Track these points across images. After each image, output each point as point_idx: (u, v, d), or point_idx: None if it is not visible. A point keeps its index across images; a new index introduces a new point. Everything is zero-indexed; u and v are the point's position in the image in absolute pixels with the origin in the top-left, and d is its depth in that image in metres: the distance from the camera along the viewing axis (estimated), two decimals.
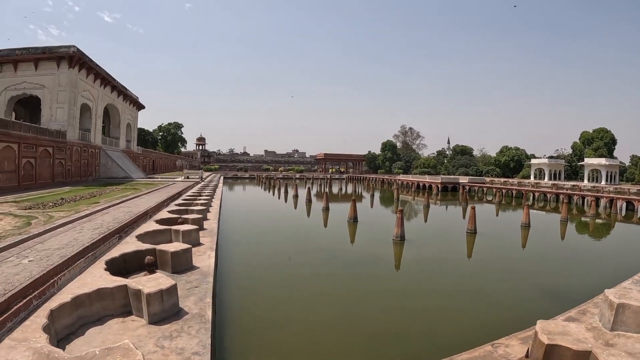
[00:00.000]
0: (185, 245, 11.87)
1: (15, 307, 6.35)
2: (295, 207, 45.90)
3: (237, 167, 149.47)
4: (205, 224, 18.61)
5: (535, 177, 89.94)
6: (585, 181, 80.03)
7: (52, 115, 39.83)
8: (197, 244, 14.26)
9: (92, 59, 43.78)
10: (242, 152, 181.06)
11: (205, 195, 30.61)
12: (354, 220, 31.72)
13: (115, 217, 15.92)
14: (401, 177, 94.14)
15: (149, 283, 7.95)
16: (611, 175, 79.20)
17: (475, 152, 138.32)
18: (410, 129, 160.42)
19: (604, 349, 6.58)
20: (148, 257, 9.92)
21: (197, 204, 23.97)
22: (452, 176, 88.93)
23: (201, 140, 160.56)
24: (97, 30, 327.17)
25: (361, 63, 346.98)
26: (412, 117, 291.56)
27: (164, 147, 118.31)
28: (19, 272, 7.87)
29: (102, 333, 7.11)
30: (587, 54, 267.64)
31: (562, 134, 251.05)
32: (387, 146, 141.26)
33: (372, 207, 49.24)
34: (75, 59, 40.27)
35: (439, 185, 71.77)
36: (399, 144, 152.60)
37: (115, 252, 11.07)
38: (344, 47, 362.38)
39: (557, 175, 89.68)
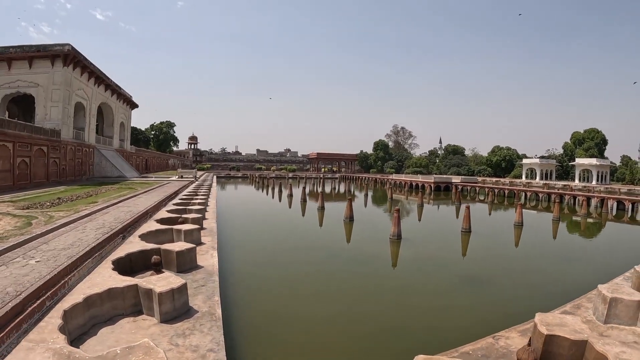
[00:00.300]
0: (190, 245, 11.85)
1: (30, 308, 6.27)
2: (290, 207, 45.90)
3: (229, 167, 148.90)
4: (205, 223, 18.55)
5: (526, 177, 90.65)
6: (576, 181, 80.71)
7: (46, 114, 39.35)
8: (199, 243, 14.20)
9: (86, 58, 43.32)
10: (234, 151, 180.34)
11: (202, 195, 30.49)
12: (350, 219, 31.81)
13: (117, 217, 15.82)
14: (394, 176, 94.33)
15: (159, 282, 7.95)
16: (602, 175, 79.96)
17: (467, 152, 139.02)
18: (403, 128, 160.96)
19: (599, 338, 6.87)
20: (155, 256, 9.89)
21: (194, 204, 23.89)
22: (444, 176, 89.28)
23: (193, 139, 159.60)
24: (89, 28, 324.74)
25: (353, 63, 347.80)
26: (405, 116, 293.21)
27: (156, 146, 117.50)
28: (28, 273, 7.81)
29: (115, 333, 7.08)
30: (579, 54, 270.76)
31: (553, 134, 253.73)
32: (379, 146, 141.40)
33: (365, 206, 49.37)
34: (70, 57, 39.79)
35: (432, 185, 72.08)
36: (391, 144, 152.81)
37: (121, 251, 11.00)
38: (338, 46, 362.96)
39: (549, 175, 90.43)
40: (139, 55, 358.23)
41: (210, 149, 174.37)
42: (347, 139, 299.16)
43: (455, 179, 78.32)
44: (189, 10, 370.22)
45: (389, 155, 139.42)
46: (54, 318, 6.44)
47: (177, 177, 56.06)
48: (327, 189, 78.99)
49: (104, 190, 28.83)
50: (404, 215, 40.21)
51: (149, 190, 30.77)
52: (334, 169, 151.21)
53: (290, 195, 54.00)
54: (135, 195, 25.65)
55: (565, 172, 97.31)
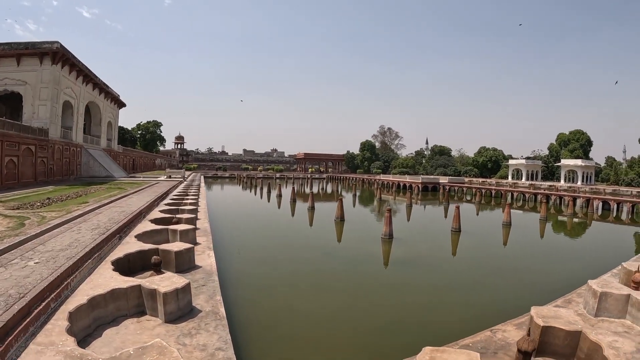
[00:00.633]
0: (188, 245, 11.78)
1: (36, 311, 6.13)
2: (279, 207, 45.71)
3: (215, 167, 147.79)
4: (198, 224, 18.43)
5: (513, 178, 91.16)
6: (562, 181, 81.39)
7: (34, 112, 38.55)
8: (195, 243, 14.11)
9: (74, 56, 42.51)
10: (221, 151, 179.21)
11: (192, 195, 30.30)
12: (341, 219, 31.84)
13: (111, 217, 15.61)
14: (382, 177, 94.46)
15: (162, 282, 7.88)
16: (587, 176, 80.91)
17: (454, 153, 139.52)
18: (389, 129, 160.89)
19: (592, 329, 7.12)
20: (155, 257, 9.79)
21: (186, 204, 23.73)
22: (432, 176, 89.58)
23: (180, 139, 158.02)
24: (75, 25, 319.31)
25: (340, 63, 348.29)
26: (391, 117, 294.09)
27: (143, 145, 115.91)
28: (29, 275, 7.65)
29: (120, 334, 6.98)
30: (564, 57, 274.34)
31: (538, 135, 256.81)
32: (366, 146, 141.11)
33: (354, 206, 49.34)
34: (59, 55, 39.05)
35: (420, 185, 72.44)
36: (377, 144, 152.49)
37: (119, 252, 10.85)
38: (325, 47, 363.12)
39: (534, 175, 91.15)
40: (124, 54, 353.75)
41: (197, 149, 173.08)
42: (334, 140, 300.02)
43: (443, 180, 78.78)
44: (176, 9, 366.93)
45: (375, 156, 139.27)
46: (60, 320, 6.32)
47: (165, 177, 55.45)
48: (315, 189, 79.06)
49: (93, 190, 28.39)
50: (394, 215, 40.44)
51: (139, 191, 30.41)
52: (321, 169, 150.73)
53: (280, 196, 53.76)
54: (126, 196, 25.32)
55: (550, 172, 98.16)
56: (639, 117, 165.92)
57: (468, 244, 25.07)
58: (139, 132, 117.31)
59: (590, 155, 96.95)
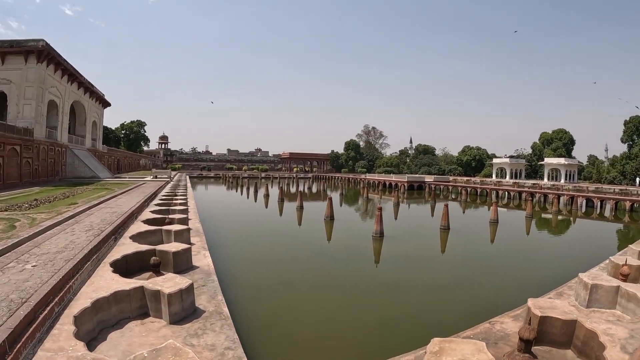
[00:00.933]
0: (186, 245, 11.65)
1: (41, 316, 5.93)
2: (267, 207, 45.47)
3: (200, 166, 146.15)
4: (190, 224, 18.19)
5: (497, 176, 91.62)
6: (545, 180, 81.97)
7: (19, 112, 37.44)
8: (189, 243, 13.93)
9: (59, 54, 41.39)
10: (205, 150, 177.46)
11: (181, 195, 29.93)
12: (330, 218, 31.83)
13: (103, 219, 15.31)
14: (368, 176, 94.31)
15: (166, 283, 7.77)
16: (570, 174, 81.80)
17: (438, 152, 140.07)
18: (374, 128, 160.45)
19: (586, 318, 7.30)
20: (154, 257, 9.66)
21: (176, 204, 23.41)
22: (417, 175, 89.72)
23: (164, 139, 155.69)
24: (58, 23, 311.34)
25: (324, 62, 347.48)
26: (376, 116, 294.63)
27: (127, 145, 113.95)
28: (28, 279, 7.43)
29: (125, 336, 6.83)
30: (547, 57, 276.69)
31: (522, 134, 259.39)
32: (351, 145, 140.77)
33: (341, 205, 49.33)
34: (44, 53, 37.98)
35: (405, 184, 72.65)
36: (362, 143, 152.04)
37: (116, 253, 10.64)
38: (308, 46, 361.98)
39: (518, 174, 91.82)
40: (108, 52, 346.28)
41: (181, 149, 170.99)
42: (318, 139, 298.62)
43: (428, 178, 79.15)
44: (161, 7, 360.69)
45: (360, 155, 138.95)
46: (66, 325, 6.14)
47: (151, 177, 54.67)
48: (301, 189, 79.05)
49: (80, 191, 27.82)
50: (382, 214, 40.68)
51: (127, 191, 29.94)
52: (306, 168, 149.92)
53: (267, 195, 53.49)
54: (114, 196, 24.90)
55: (534, 171, 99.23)
56: (620, 116, 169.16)
57: (458, 242, 25.37)
58: (123, 131, 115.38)
59: (573, 153, 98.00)
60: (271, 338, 10.58)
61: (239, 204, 49.74)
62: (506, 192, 62.11)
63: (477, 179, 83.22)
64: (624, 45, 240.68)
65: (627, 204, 44.17)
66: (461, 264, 20.01)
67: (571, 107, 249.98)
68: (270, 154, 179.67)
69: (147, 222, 16.73)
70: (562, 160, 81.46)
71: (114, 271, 9.08)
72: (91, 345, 6.57)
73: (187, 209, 22.35)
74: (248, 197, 56.09)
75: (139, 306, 7.75)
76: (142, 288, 7.75)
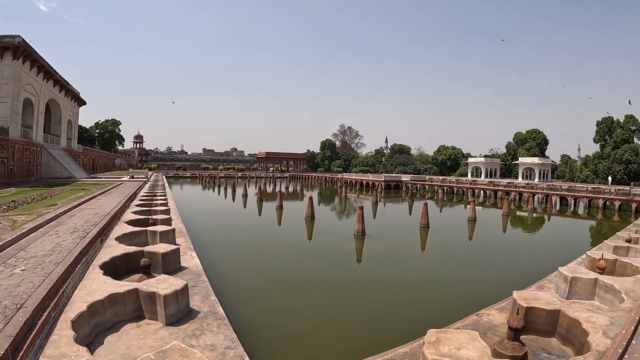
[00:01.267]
0: (174, 246, 11.50)
1: (39, 322, 5.76)
2: (245, 206, 45.19)
3: (175, 166, 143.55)
4: (172, 224, 17.91)
5: (472, 175, 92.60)
6: (520, 179, 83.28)
7: None
8: (174, 244, 13.79)
9: (36, 51, 39.69)
10: (180, 150, 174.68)
11: (161, 195, 29.42)
12: (311, 217, 31.77)
13: (87, 220, 14.93)
14: (345, 175, 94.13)
15: (160, 285, 7.66)
16: (544, 173, 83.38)
17: (413, 151, 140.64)
18: (349, 128, 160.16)
19: (569, 308, 7.62)
20: (144, 259, 9.50)
21: (157, 205, 23.02)
22: (394, 174, 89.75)
23: (139, 138, 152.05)
24: (31, 19, 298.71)
25: (299, 62, 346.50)
26: (352, 116, 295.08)
27: (101, 145, 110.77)
28: (19, 284, 7.18)
29: (122, 340, 6.69)
30: (521, 58, 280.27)
31: (496, 134, 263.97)
32: (327, 145, 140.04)
33: (319, 204, 49.32)
34: (21, 50, 36.42)
35: (383, 184, 72.84)
36: (338, 143, 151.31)
37: (104, 256, 10.40)
38: (284, 44, 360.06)
39: (493, 173, 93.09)
40: (82, 50, 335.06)
41: (156, 148, 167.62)
42: (294, 139, 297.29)
43: (405, 178, 79.66)
44: (138, 4, 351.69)
45: (336, 155, 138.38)
46: (64, 330, 5.97)
47: (128, 177, 53.42)
48: (279, 189, 78.70)
49: (57, 192, 26.96)
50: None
51: (105, 192, 29.22)
52: (282, 168, 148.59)
53: (245, 195, 53.18)
54: (93, 197, 24.28)
55: (508, 170, 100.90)
56: (591, 116, 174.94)
57: (438, 239, 25.92)
58: (97, 130, 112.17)
59: (546, 153, 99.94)
60: (268, 336, 10.61)
61: (218, 204, 49.20)
62: (482, 191, 63.02)
63: (453, 178, 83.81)
64: (595, 48, 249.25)
65: (600, 202, 45.61)
66: (443, 261, 20.50)
67: (545, 108, 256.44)
68: (246, 154, 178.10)
69: (131, 223, 16.38)
70: (536, 160, 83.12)
71: (105, 274, 8.90)
72: (89, 350, 6.45)
73: (168, 209, 21.95)
74: (226, 197, 55.57)
75: (133, 309, 7.61)
76: (136, 290, 7.62)
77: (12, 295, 6.59)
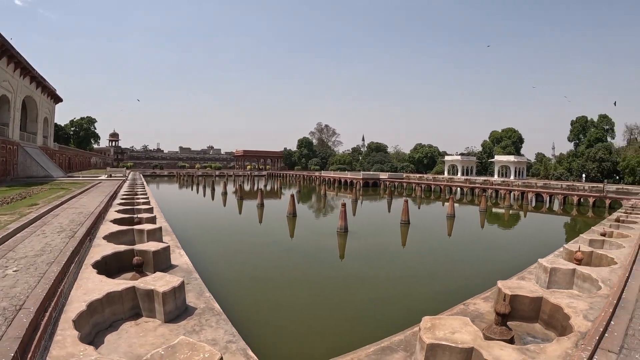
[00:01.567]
0: (164, 244, 11.46)
1: (43, 323, 5.67)
2: (225, 205, 44.93)
3: (152, 165, 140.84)
4: (157, 223, 17.78)
5: (449, 173, 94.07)
6: (496, 176, 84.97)
7: None
8: (162, 242, 13.72)
9: (13, 46, 38.09)
10: (156, 148, 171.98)
11: (142, 194, 29.02)
12: (293, 215, 31.77)
13: (72, 219, 14.64)
14: (323, 173, 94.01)
15: (157, 282, 7.65)
16: (519, 171, 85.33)
17: (390, 149, 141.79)
18: (327, 126, 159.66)
19: (550, 295, 8.01)
20: (137, 257, 9.46)
21: (139, 203, 22.69)
22: (372, 172, 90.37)
23: (114, 136, 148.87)
24: (5, 14, 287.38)
25: (275, 60, 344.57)
26: (329, 114, 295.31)
27: (76, 143, 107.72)
28: (14, 285, 7.02)
29: (122, 338, 6.67)
30: (497, 58, 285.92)
31: (472, 132, 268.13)
32: (304, 143, 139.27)
33: (298, 202, 49.12)
34: None
35: (361, 181, 73.19)
36: (315, 141, 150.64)
37: (96, 254, 10.25)
38: (260, 42, 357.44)
39: (469, 171, 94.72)
40: (57, 45, 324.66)
41: (132, 147, 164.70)
42: (271, 137, 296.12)
43: (383, 176, 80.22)
44: (114, 0, 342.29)
45: (313, 153, 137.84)
46: (67, 330, 5.91)
47: (106, 176, 52.25)
48: (259, 187, 78.37)
49: (36, 191, 26.24)
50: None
51: (85, 191, 28.58)
52: (260, 166, 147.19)
53: (225, 194, 52.82)
54: (74, 197, 23.72)
55: (484, 168, 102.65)
56: (566, 115, 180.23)
57: (419, 235, 26.46)
58: (73, 128, 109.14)
59: (522, 151, 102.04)
60: (263, 331, 10.72)
61: (197, 203, 48.69)
62: (459, 189, 63.94)
63: (430, 176, 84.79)
64: (569, 48, 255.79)
65: (575, 199, 47.08)
66: (426, 256, 21.03)
67: (520, 107, 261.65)
68: (222, 152, 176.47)
69: (116, 222, 16.11)
70: (511, 158, 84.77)
71: (99, 273, 8.84)
72: None
73: (152, 208, 21.68)
74: (205, 196, 55.11)
75: (131, 307, 7.57)
76: (133, 288, 7.58)
77: (9, 297, 6.46)
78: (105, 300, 7.22)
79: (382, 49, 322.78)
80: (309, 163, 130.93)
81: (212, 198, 51.96)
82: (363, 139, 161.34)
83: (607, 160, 69.65)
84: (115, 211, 19.60)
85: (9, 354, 4.47)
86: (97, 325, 6.96)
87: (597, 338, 5.82)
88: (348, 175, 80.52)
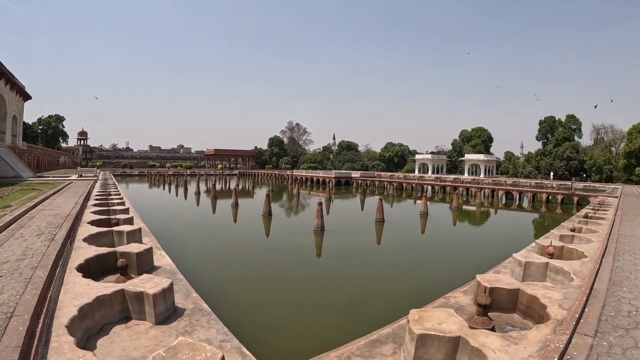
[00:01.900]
0: (146, 245, 11.31)
1: (38, 330, 5.56)
2: (198, 204, 44.45)
3: (121, 164, 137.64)
4: (135, 224, 17.51)
5: (419, 171, 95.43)
6: (466, 174, 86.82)
7: None
8: (141, 243, 13.54)
9: None
10: (126, 147, 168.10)
11: (115, 194, 28.33)
12: (268, 214, 31.70)
13: (49, 222, 14.23)
14: (295, 172, 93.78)
15: (147, 284, 7.60)
16: (489, 169, 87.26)
17: (361, 148, 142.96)
18: (297, 124, 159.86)
19: (526, 287, 8.48)
20: (121, 260, 9.35)
21: (114, 204, 22.14)
22: (344, 171, 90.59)
23: (83, 135, 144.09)
24: None
25: (245, 58, 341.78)
26: (299, 113, 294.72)
27: (44, 142, 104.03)
28: (1, 291, 6.91)
29: (115, 342, 6.58)
30: (468, 57, 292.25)
31: (442, 131, 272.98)
32: (274, 142, 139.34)
33: (271, 201, 49.22)
34: None
35: (333, 180, 73.48)
36: (286, 140, 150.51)
37: (78, 258, 10.05)
38: (231, 39, 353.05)
39: (440, 169, 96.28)
40: (25, 41, 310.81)
41: (101, 146, 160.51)
42: (241, 136, 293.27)
43: (355, 174, 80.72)
44: None
45: (283, 151, 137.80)
46: (62, 336, 5.79)
47: (76, 176, 50.67)
48: (232, 186, 77.65)
49: (7, 192, 25.20)
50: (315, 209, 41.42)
51: (57, 192, 27.73)
52: (231, 165, 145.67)
53: (198, 193, 52.25)
54: (47, 198, 22.99)
55: (454, 166, 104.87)
56: (533, 115, 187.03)
57: (394, 233, 26.99)
58: (40, 127, 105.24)
59: (491, 150, 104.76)
60: (255, 329, 10.85)
61: (170, 202, 47.99)
62: (430, 187, 64.98)
63: (401, 175, 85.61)
64: (539, 47, 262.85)
65: (544, 196, 48.65)
66: (402, 252, 21.59)
67: (489, 106, 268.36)
68: (193, 151, 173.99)
69: (93, 223, 15.70)
70: (481, 157, 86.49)
71: (84, 276, 8.70)
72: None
73: (128, 208, 21.25)
74: (177, 195, 54.39)
75: (120, 310, 7.47)
76: (122, 291, 7.52)
77: None
78: (95, 304, 7.11)
79: (353, 49, 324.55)
80: (280, 162, 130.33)
81: (185, 197, 51.33)
82: (334, 138, 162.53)
83: (574, 159, 72.18)
84: (91, 212, 19.04)
85: None
86: (87, 330, 6.84)
87: (574, 324, 6.23)
88: (320, 174, 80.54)
